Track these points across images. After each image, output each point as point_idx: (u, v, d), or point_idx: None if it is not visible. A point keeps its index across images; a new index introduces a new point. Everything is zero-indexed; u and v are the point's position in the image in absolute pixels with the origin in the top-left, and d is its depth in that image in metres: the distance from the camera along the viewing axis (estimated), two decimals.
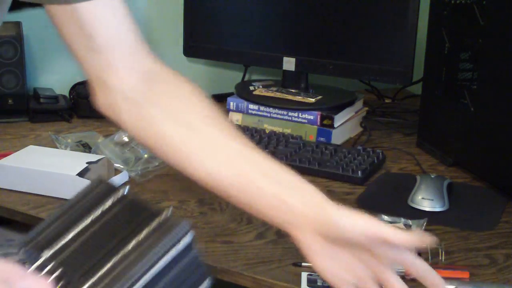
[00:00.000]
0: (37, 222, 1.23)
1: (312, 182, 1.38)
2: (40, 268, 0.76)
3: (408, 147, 1.60)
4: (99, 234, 0.79)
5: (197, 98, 0.97)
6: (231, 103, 1.70)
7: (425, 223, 1.16)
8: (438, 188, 1.29)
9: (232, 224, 1.21)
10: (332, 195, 1.34)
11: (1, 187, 1.32)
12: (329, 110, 1.61)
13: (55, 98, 1.75)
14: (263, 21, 1.75)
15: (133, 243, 0.76)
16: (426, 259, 1.08)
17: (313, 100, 1.65)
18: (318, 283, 1.03)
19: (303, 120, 1.61)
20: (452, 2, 1.44)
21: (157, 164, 1.42)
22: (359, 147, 1.50)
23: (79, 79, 1.80)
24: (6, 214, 1.28)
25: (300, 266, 1.07)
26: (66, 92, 1.81)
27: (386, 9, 1.58)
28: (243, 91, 1.73)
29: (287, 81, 1.74)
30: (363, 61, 1.62)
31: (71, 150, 1.46)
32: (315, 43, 1.67)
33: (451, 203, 1.28)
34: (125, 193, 0.82)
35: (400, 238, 0.81)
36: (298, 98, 1.66)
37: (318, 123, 1.60)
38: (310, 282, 1.03)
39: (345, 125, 1.64)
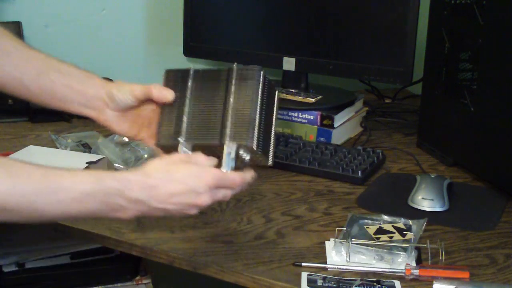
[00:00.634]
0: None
1: (312, 182, 1.40)
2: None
3: (408, 147, 1.60)
4: (204, 103, 1.06)
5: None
6: None
7: (425, 223, 1.16)
8: (438, 188, 1.29)
9: (232, 224, 1.21)
10: (332, 195, 1.35)
11: None
12: (329, 110, 1.61)
13: None
14: (263, 21, 1.75)
15: (232, 96, 1.04)
16: (426, 259, 1.08)
17: (313, 100, 1.65)
18: (318, 283, 1.03)
19: (303, 120, 1.61)
20: (452, 2, 1.44)
21: None
22: (359, 147, 1.50)
23: None
24: None
25: (300, 266, 1.07)
26: None
27: (386, 9, 1.58)
28: None
29: (287, 81, 1.74)
30: (363, 61, 1.62)
31: (71, 150, 1.46)
32: (315, 43, 1.67)
33: (451, 203, 1.28)
34: (194, 69, 1.09)
35: (156, 91, 1.09)
36: (298, 98, 1.66)
37: (318, 123, 1.60)
38: (310, 282, 1.03)
39: (345, 125, 1.64)
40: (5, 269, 1.51)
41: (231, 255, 1.11)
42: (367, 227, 1.15)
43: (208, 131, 1.05)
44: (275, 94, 1.11)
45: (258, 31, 1.75)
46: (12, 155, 1.37)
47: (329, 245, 1.14)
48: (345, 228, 1.15)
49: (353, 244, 1.09)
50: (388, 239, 1.12)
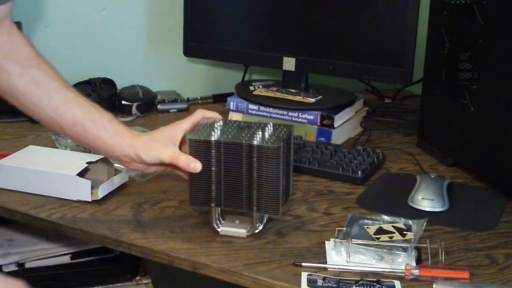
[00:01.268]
0: (37, 222, 1.24)
1: (312, 182, 1.40)
2: None
3: (408, 147, 1.60)
4: (229, 174, 1.13)
5: (40, 58, 1.21)
6: (231, 103, 1.70)
7: (425, 223, 1.16)
8: (438, 188, 1.29)
9: None
10: (332, 195, 1.35)
11: (1, 187, 1.32)
12: (329, 110, 1.61)
13: None
14: (263, 21, 1.75)
15: (255, 172, 1.11)
16: (426, 259, 1.08)
17: (313, 100, 1.65)
18: (318, 283, 1.03)
19: (303, 120, 1.61)
20: (452, 2, 1.44)
21: None
22: (359, 147, 1.50)
23: (79, 79, 1.80)
24: (6, 214, 1.28)
25: (300, 266, 1.07)
26: None
27: (386, 9, 1.58)
28: (243, 91, 1.73)
29: (287, 81, 1.74)
30: (363, 61, 1.62)
31: (71, 150, 1.46)
32: (315, 43, 1.67)
33: (451, 203, 1.28)
34: (215, 141, 1.13)
35: (183, 163, 1.13)
36: (298, 98, 1.66)
37: (318, 123, 1.60)
38: (310, 282, 1.03)
39: (345, 125, 1.64)
40: (5, 269, 1.51)
41: (231, 255, 1.11)
42: (367, 227, 1.15)
43: (235, 199, 1.14)
44: (291, 139, 1.17)
45: (258, 31, 1.75)
46: (12, 155, 1.37)
47: (329, 245, 1.14)
48: (345, 228, 1.15)
49: (353, 244, 1.09)
50: (388, 239, 1.12)
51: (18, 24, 1.74)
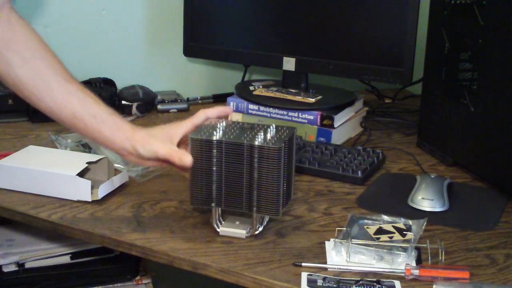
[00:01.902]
0: (37, 222, 1.24)
1: (312, 182, 1.40)
2: None
3: (408, 147, 1.60)
4: (230, 174, 1.13)
5: (43, 48, 1.22)
6: (231, 103, 1.70)
7: (425, 223, 1.16)
8: (438, 188, 1.29)
9: None
10: (332, 195, 1.35)
11: (1, 187, 1.32)
12: (329, 110, 1.61)
13: None
14: (263, 21, 1.75)
15: (256, 172, 1.11)
16: (426, 259, 1.08)
17: (313, 100, 1.65)
18: (318, 283, 1.03)
19: (303, 120, 1.61)
20: (452, 2, 1.44)
21: None
22: (359, 147, 1.50)
23: (79, 79, 1.79)
24: (6, 214, 1.28)
25: (300, 266, 1.07)
26: None
27: (386, 9, 1.58)
28: (243, 91, 1.73)
29: (287, 81, 1.74)
30: (363, 61, 1.62)
31: (71, 150, 1.46)
32: (315, 43, 1.67)
33: (451, 203, 1.28)
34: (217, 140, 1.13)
35: (176, 157, 1.14)
36: (298, 98, 1.66)
37: (318, 123, 1.60)
38: (310, 282, 1.03)
39: (345, 125, 1.64)
40: (5, 269, 1.51)
41: (231, 255, 1.11)
42: (367, 227, 1.15)
43: (236, 200, 1.13)
44: (293, 141, 1.16)
45: (258, 31, 1.75)
46: (12, 155, 1.37)
47: (329, 245, 1.14)
48: (345, 228, 1.15)
49: (353, 244, 1.09)
50: (388, 239, 1.12)
51: None
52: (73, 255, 1.54)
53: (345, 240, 1.10)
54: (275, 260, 1.09)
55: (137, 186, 1.35)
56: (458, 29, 1.43)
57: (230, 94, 1.74)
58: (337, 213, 1.26)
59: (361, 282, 1.03)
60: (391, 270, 1.06)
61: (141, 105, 1.79)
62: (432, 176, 1.32)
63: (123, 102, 1.79)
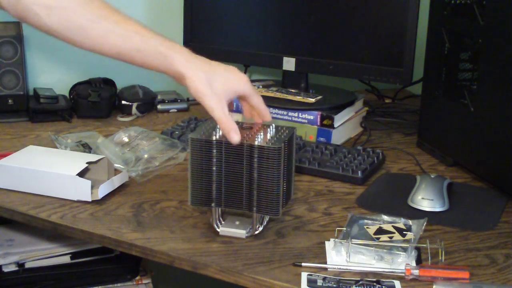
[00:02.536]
0: (37, 222, 1.24)
1: (312, 182, 1.40)
2: None
3: (408, 147, 1.60)
4: (230, 174, 1.13)
5: None
6: (231, 103, 1.69)
7: (425, 223, 1.16)
8: (438, 188, 1.29)
9: None
10: (332, 195, 1.35)
11: (1, 187, 1.32)
12: (329, 110, 1.61)
13: (55, 98, 1.75)
14: (263, 21, 1.75)
15: (256, 172, 1.10)
16: (426, 259, 1.08)
17: (313, 100, 1.65)
18: (318, 283, 1.03)
19: (303, 120, 1.61)
20: (452, 2, 1.44)
21: (157, 164, 1.42)
22: (359, 147, 1.50)
23: (79, 79, 1.80)
24: (6, 214, 1.28)
25: (300, 266, 1.07)
26: (66, 92, 1.81)
27: (386, 9, 1.58)
28: None
29: (287, 81, 1.74)
30: (363, 61, 1.62)
31: (71, 150, 1.46)
32: (315, 43, 1.67)
33: (451, 203, 1.28)
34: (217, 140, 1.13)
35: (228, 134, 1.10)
36: (298, 98, 1.66)
37: (318, 123, 1.60)
38: (310, 282, 1.03)
39: (345, 125, 1.64)
40: (5, 269, 1.51)
41: (231, 255, 1.11)
42: (367, 227, 1.15)
43: (236, 200, 1.13)
44: (293, 141, 1.17)
45: (258, 31, 1.75)
46: (12, 155, 1.37)
47: (329, 245, 1.14)
48: (345, 228, 1.15)
49: (353, 244, 1.09)
50: (388, 239, 1.12)
51: (18, 24, 1.74)
52: (73, 255, 1.54)
53: (345, 240, 1.10)
54: (275, 260, 1.09)
55: (137, 186, 1.35)
56: (458, 29, 1.43)
57: None
58: (337, 213, 1.26)
59: (361, 282, 1.03)
60: (391, 270, 1.06)
61: (141, 105, 1.79)
62: (432, 176, 1.32)
63: (123, 102, 1.79)
